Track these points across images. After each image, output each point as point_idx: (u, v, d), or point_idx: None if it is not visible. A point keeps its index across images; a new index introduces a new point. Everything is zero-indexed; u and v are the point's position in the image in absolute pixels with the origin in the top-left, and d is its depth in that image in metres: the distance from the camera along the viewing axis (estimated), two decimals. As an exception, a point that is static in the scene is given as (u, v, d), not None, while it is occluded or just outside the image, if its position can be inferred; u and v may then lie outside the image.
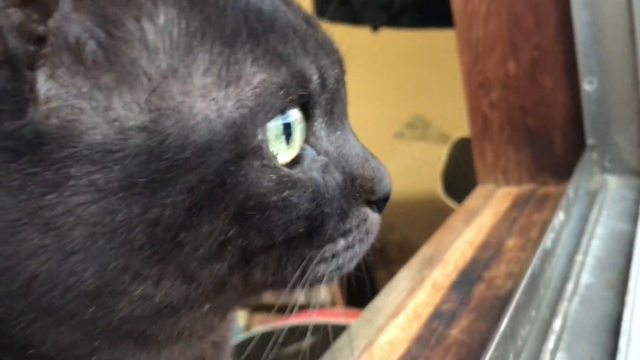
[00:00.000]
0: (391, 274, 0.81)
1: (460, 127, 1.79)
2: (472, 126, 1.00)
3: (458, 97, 1.60)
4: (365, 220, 0.38)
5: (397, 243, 1.87)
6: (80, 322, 0.31)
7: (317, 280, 0.36)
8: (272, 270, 0.34)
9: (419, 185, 1.81)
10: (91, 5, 0.29)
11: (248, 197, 0.31)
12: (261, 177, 0.32)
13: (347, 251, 0.37)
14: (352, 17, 1.64)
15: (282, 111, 0.33)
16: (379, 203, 0.39)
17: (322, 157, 0.36)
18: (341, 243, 0.36)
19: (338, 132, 0.37)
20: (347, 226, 0.37)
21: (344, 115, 0.38)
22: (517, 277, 0.71)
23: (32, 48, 0.28)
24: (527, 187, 0.96)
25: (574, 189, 0.77)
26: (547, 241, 0.63)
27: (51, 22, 0.29)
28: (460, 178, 1.54)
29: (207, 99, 0.30)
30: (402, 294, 0.71)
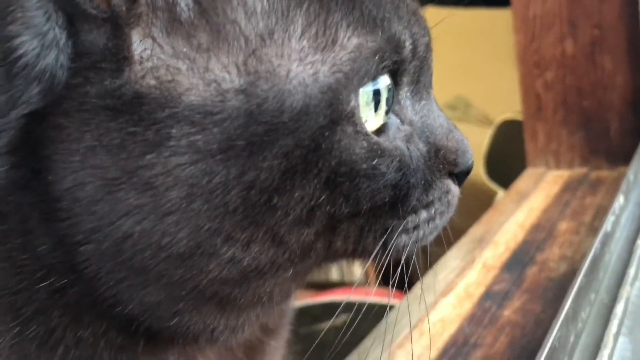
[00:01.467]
0: (428, 256, 0.80)
1: (502, 110, 1.75)
2: (524, 107, 0.98)
3: (501, 78, 1.56)
4: (447, 192, 0.37)
5: (447, 230, 1.86)
6: (168, 283, 0.31)
7: (397, 251, 0.36)
8: (353, 239, 0.34)
9: (459, 167, 1.79)
10: None
11: (340, 163, 0.31)
12: (353, 144, 0.31)
13: (429, 223, 0.36)
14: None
15: (375, 77, 0.32)
16: (460, 176, 0.38)
17: (406, 127, 0.35)
18: (423, 214, 0.36)
19: (423, 102, 0.36)
20: (430, 198, 0.36)
21: (429, 85, 0.37)
22: (570, 260, 0.69)
23: (127, 6, 0.28)
24: (579, 170, 0.94)
25: (634, 173, 0.75)
26: (608, 225, 0.61)
27: None
28: (504, 161, 1.51)
29: (303, 62, 0.30)
30: (452, 273, 0.70)
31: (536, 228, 0.78)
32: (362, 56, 0.31)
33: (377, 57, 0.32)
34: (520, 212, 0.83)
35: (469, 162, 0.38)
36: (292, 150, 0.30)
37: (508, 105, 1.58)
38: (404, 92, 0.35)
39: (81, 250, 0.30)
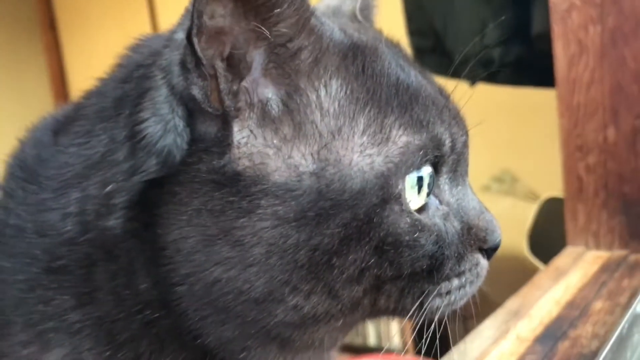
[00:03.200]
0: (467, 329, 0.83)
1: (548, 186, 1.78)
2: (566, 187, 1.02)
3: (548, 155, 1.60)
4: (477, 264, 0.43)
5: (476, 298, 1.86)
6: (242, 323, 0.38)
7: (431, 312, 0.42)
8: (394, 298, 0.40)
9: (503, 240, 1.81)
10: (278, 73, 0.37)
11: (387, 235, 0.38)
12: (399, 220, 0.38)
13: (460, 290, 0.42)
14: (451, 70, 1.68)
15: (419, 167, 0.39)
16: (489, 252, 0.44)
17: (443, 207, 0.42)
18: (455, 282, 0.42)
19: (459, 187, 0.43)
20: (462, 268, 0.42)
21: (465, 173, 0.44)
22: (602, 339, 0.72)
23: (234, 106, 0.37)
24: (618, 253, 0.97)
25: (668, 259, 0.77)
26: (637, 306, 0.64)
27: (244, 83, 0.37)
28: (547, 238, 1.53)
29: (363, 154, 0.37)
30: (486, 342, 0.74)
31: (571, 305, 0.81)
32: (410, 151, 0.38)
33: (421, 152, 0.39)
34: (557, 288, 0.86)
35: (497, 240, 0.43)
36: (350, 222, 0.37)
37: (553, 182, 1.61)
38: (443, 179, 0.42)
39: (176, 290, 0.38)
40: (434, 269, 0.40)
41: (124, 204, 0.37)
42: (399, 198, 0.38)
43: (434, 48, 1.70)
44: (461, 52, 1.71)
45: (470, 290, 0.43)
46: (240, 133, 0.37)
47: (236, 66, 0.36)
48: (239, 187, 0.36)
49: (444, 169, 0.42)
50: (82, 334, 0.38)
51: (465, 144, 0.43)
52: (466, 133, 0.44)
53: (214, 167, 0.36)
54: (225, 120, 0.36)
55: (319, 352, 0.43)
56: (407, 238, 0.38)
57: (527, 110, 1.91)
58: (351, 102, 0.38)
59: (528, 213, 1.78)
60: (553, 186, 1.68)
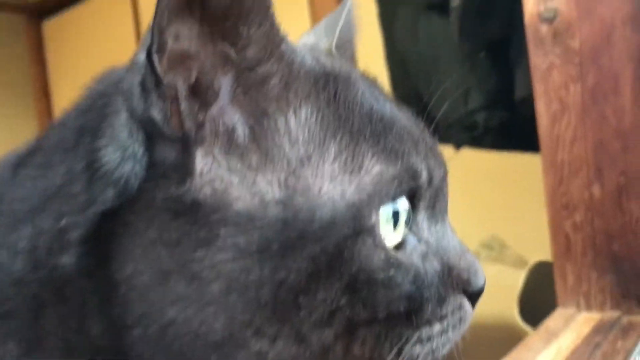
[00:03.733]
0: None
1: (537, 251, 1.76)
2: (554, 247, 1.00)
3: (537, 220, 1.59)
4: (460, 308, 0.40)
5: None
6: None
7: None
8: (370, 346, 0.37)
9: (493, 308, 1.76)
10: (246, 99, 0.36)
11: (359, 271, 0.35)
12: (372, 255, 0.35)
13: (442, 336, 0.39)
14: (437, 135, 1.70)
15: (394, 198, 0.37)
16: (473, 296, 0.41)
17: (422, 246, 0.39)
18: (437, 327, 0.39)
19: (438, 225, 0.41)
20: (444, 311, 0.39)
21: (444, 211, 0.42)
22: (599, 404, 0.68)
23: (196, 130, 0.34)
24: (610, 313, 0.93)
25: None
26: (633, 365, 0.61)
27: (211, 111, 0.35)
28: (538, 303, 1.49)
29: (333, 182, 0.35)
30: (475, 406, 0.69)
31: (564, 368, 0.77)
32: (383, 180, 0.36)
33: (396, 182, 0.37)
34: (548, 350, 0.82)
35: (481, 282, 0.41)
36: (319, 256, 0.34)
37: (543, 247, 1.59)
38: (421, 216, 0.40)
39: (130, 334, 0.34)
40: (412, 312, 0.37)
41: (78, 239, 0.35)
42: (372, 231, 0.36)
43: (419, 114, 1.72)
44: (446, 117, 1.73)
45: (453, 336, 0.40)
46: (203, 160, 0.35)
47: (203, 94, 0.35)
48: (198, 216, 0.34)
49: (422, 204, 0.40)
50: None
51: (443, 179, 0.41)
52: (444, 167, 0.42)
53: (171, 194, 0.34)
54: (185, 145, 0.34)
55: None
56: (381, 276, 0.36)
57: (514, 174, 1.92)
58: (322, 129, 0.36)
59: (518, 280, 1.74)
60: (542, 251, 1.65)
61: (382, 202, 0.36)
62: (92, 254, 0.35)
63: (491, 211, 2.01)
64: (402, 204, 0.38)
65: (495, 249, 2.09)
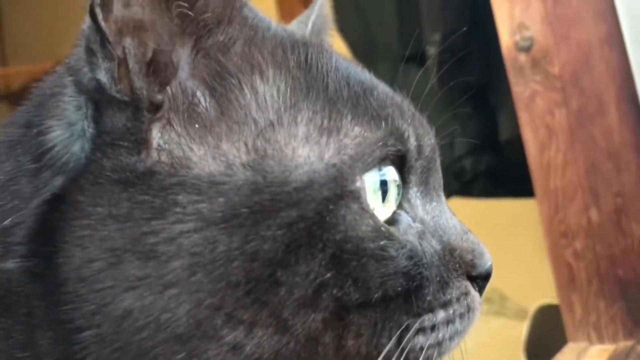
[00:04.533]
0: None
1: (539, 300, 1.70)
2: (556, 278, 0.96)
3: (535, 269, 1.55)
4: (466, 294, 0.36)
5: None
6: None
7: (414, 354, 0.34)
8: (366, 338, 0.33)
9: (499, 361, 1.69)
10: (207, 68, 0.33)
11: (345, 239, 0.31)
12: (359, 221, 0.32)
13: (448, 326, 0.35)
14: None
15: (380, 163, 0.34)
16: (479, 282, 0.37)
17: (417, 225, 0.36)
18: (441, 314, 0.35)
19: (434, 203, 0.37)
20: (448, 297, 0.35)
21: (439, 187, 0.39)
22: None
23: (148, 93, 0.31)
24: (624, 343, 0.88)
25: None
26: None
27: (170, 87, 0.33)
28: (545, 350, 1.43)
29: (309, 144, 0.32)
30: None
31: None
32: (366, 142, 0.33)
33: (380, 145, 0.34)
34: (563, 385, 0.77)
35: (487, 265, 0.37)
36: (296, 222, 0.30)
37: (544, 296, 1.54)
38: (414, 192, 0.36)
39: (82, 338, 0.30)
40: (411, 293, 0.33)
41: (22, 238, 0.31)
42: (358, 196, 0.32)
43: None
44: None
45: (462, 326, 0.36)
46: (158, 126, 0.32)
47: (161, 71, 0.32)
48: (151, 183, 0.30)
49: (413, 178, 0.36)
50: None
51: (434, 150, 0.38)
52: (433, 137, 0.39)
53: (121, 164, 0.30)
54: (136, 111, 0.31)
55: None
56: (371, 245, 0.32)
57: (508, 223, 1.89)
58: (293, 92, 0.34)
59: (521, 331, 1.68)
60: (542, 299, 1.60)
61: (366, 167, 0.33)
62: (38, 253, 0.31)
63: (488, 263, 1.97)
64: (390, 174, 0.35)
65: (496, 302, 2.03)
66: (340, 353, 0.32)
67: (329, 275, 0.30)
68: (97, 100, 0.32)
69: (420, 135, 0.37)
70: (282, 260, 0.30)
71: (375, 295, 0.32)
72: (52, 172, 0.31)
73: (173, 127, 0.32)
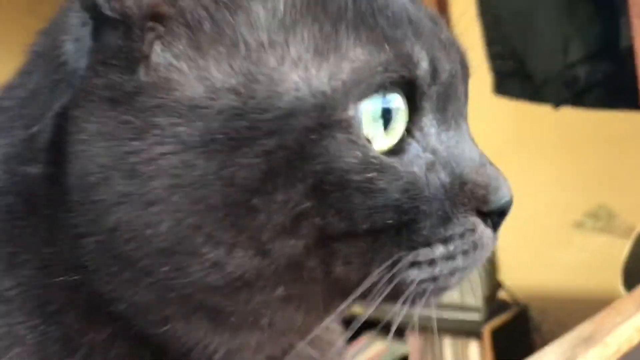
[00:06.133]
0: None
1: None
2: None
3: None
4: (472, 230, 0.34)
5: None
6: (154, 282, 0.32)
7: (407, 286, 0.33)
8: (356, 267, 0.32)
9: (597, 282, 1.63)
10: None
11: (328, 171, 0.30)
12: (344, 152, 0.31)
13: (447, 262, 0.33)
14: (533, 93, 1.58)
15: (381, 90, 0.32)
16: (494, 218, 0.35)
17: (428, 155, 0.34)
18: (440, 249, 0.33)
19: (451, 132, 0.35)
20: (449, 232, 0.33)
21: (460, 115, 0.36)
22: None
23: (139, 11, 0.31)
24: None
25: None
26: None
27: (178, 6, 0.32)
28: (644, 273, 1.36)
29: (299, 68, 0.31)
30: (547, 368, 0.63)
31: (657, 333, 0.68)
32: (365, 67, 0.31)
33: (380, 69, 0.32)
34: (638, 316, 0.73)
35: (502, 201, 0.34)
36: (275, 151, 0.30)
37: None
38: (428, 119, 0.34)
39: (85, 242, 0.32)
40: (404, 227, 0.32)
41: (44, 145, 0.33)
42: (346, 125, 0.31)
43: (515, 71, 1.61)
44: (544, 73, 1.61)
45: (464, 263, 0.34)
46: (149, 45, 0.32)
47: None
48: (136, 104, 0.31)
49: (427, 105, 0.34)
50: (14, 304, 0.33)
51: (456, 76, 0.35)
52: (461, 65, 0.36)
53: (111, 82, 0.31)
54: (128, 28, 0.31)
55: (275, 338, 0.35)
56: (356, 177, 0.31)
57: (622, 137, 1.75)
58: (290, 10, 0.32)
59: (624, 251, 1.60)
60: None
61: (362, 95, 0.32)
62: (55, 161, 0.33)
63: (597, 177, 1.85)
64: (396, 102, 0.33)
65: (602, 218, 1.93)
66: (329, 278, 0.33)
67: (309, 204, 0.30)
68: (95, 17, 0.32)
69: (437, 58, 0.34)
70: (258, 188, 0.30)
71: (363, 227, 0.31)
72: (65, 85, 0.33)
73: (162, 37, 0.32)
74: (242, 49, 0.31)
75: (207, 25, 0.32)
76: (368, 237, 0.32)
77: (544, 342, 1.46)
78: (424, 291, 0.33)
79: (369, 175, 0.31)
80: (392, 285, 0.32)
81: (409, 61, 0.33)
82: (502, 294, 1.83)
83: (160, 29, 0.32)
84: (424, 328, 1.88)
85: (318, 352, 0.41)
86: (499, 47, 1.61)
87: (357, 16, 0.33)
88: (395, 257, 0.32)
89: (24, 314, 0.33)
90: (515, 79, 1.62)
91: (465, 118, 0.37)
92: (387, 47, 0.32)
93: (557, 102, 1.54)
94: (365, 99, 0.32)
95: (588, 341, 0.68)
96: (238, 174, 0.30)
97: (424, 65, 0.33)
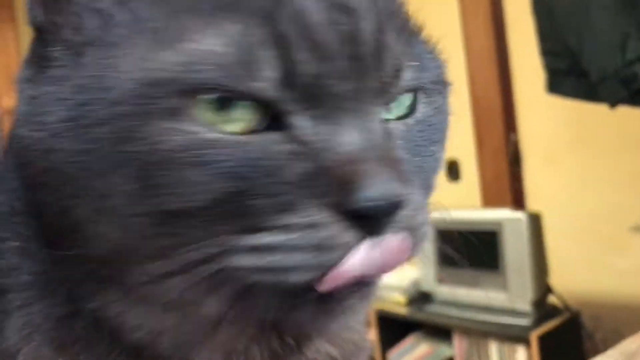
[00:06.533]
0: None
1: None
2: None
3: None
4: (317, 227, 0.31)
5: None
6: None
7: (236, 274, 0.32)
8: (196, 246, 0.32)
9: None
10: None
11: (150, 153, 0.31)
12: (165, 137, 0.31)
13: (287, 253, 0.31)
14: (588, 92, 1.52)
15: (212, 86, 0.31)
16: (362, 219, 0.31)
17: (295, 146, 0.32)
18: (279, 237, 0.31)
19: (333, 126, 0.32)
20: (286, 221, 0.31)
21: (344, 108, 0.32)
22: None
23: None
24: None
25: None
26: None
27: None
28: None
29: (130, 60, 0.31)
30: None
31: None
32: (196, 63, 0.31)
33: (211, 69, 0.31)
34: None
35: (365, 203, 0.30)
36: (101, 139, 0.32)
37: None
38: (297, 117, 0.32)
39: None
40: (232, 211, 0.31)
41: None
42: (172, 114, 0.31)
43: (570, 69, 1.55)
44: (600, 71, 1.55)
45: (304, 260, 0.31)
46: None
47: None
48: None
49: (292, 106, 0.32)
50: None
51: (324, 75, 0.32)
52: (336, 57, 0.32)
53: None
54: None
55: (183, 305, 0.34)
56: (178, 162, 0.31)
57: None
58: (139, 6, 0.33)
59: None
60: None
61: (190, 88, 0.31)
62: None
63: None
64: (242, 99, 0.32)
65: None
66: (181, 253, 0.32)
67: (137, 186, 0.31)
68: None
69: (297, 61, 0.31)
70: (96, 170, 0.32)
71: (192, 205, 0.31)
72: None
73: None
74: (86, 45, 0.33)
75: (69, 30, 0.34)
76: (201, 217, 0.31)
77: (597, 351, 1.40)
78: (254, 278, 0.31)
79: (191, 159, 0.31)
80: (217, 266, 0.31)
81: (249, 70, 0.31)
82: (552, 299, 1.76)
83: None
84: (470, 331, 1.85)
85: (338, 351, 0.40)
86: (553, 43, 1.55)
87: (209, 6, 0.32)
88: (221, 240, 0.31)
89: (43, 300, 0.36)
90: (570, 77, 1.56)
91: (364, 105, 0.33)
92: (232, 49, 0.31)
93: (614, 101, 1.47)
94: (202, 94, 0.31)
95: (633, 357, 0.65)
96: (78, 157, 0.32)
97: (268, 74, 0.31)
